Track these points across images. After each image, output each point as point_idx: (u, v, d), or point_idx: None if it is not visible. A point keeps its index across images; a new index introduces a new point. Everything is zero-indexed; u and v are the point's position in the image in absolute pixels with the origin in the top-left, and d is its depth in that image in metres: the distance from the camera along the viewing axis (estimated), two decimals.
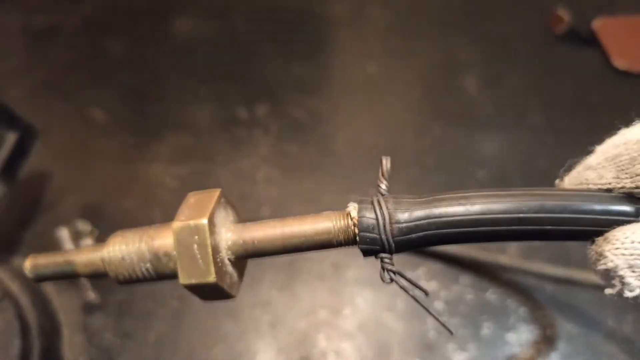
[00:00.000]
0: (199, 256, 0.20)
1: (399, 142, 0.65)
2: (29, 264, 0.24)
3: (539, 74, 0.70)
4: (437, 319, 0.20)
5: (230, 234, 0.22)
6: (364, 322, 0.53)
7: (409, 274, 0.56)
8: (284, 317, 0.53)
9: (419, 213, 0.20)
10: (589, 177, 0.20)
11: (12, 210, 0.57)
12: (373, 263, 0.56)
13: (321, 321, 0.53)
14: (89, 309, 0.54)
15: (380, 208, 0.20)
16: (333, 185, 0.61)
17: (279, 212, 0.59)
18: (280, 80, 0.71)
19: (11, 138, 0.53)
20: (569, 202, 0.19)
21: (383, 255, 0.20)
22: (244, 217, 0.25)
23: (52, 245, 0.55)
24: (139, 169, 0.64)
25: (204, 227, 0.20)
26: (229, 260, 0.22)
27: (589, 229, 0.19)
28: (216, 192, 0.22)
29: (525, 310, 0.53)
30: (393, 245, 0.20)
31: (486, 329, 0.52)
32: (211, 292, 0.21)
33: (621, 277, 0.18)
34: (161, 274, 0.22)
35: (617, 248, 0.18)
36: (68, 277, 0.24)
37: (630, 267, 0.17)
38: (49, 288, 0.54)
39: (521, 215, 0.19)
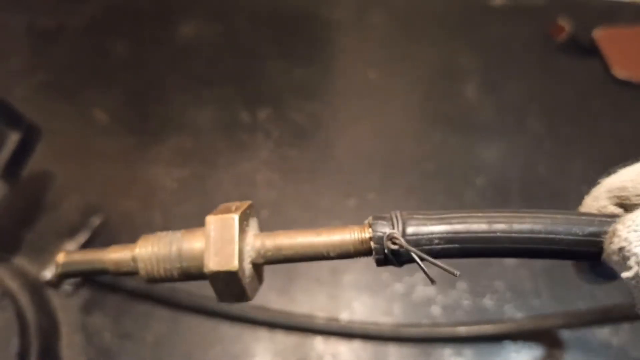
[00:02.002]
0: (225, 248, 0.22)
1: (399, 147, 0.66)
2: (61, 259, 0.25)
3: (539, 82, 0.71)
4: (439, 266, 0.21)
5: (254, 239, 0.24)
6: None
7: (405, 279, 0.56)
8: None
9: (429, 228, 0.21)
10: None
11: (13, 209, 0.57)
12: (370, 268, 0.56)
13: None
14: (87, 308, 0.54)
15: (395, 222, 0.21)
16: (332, 190, 0.61)
17: (278, 215, 0.60)
18: (282, 85, 0.71)
19: (14, 137, 0.53)
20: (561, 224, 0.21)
21: (393, 232, 0.21)
22: None
23: (52, 246, 0.56)
24: (140, 170, 0.64)
25: (233, 220, 0.23)
26: (251, 263, 0.23)
27: (591, 250, 0.20)
28: (247, 203, 0.25)
29: (521, 317, 0.53)
30: (402, 259, 0.22)
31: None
32: (230, 287, 0.23)
33: (636, 255, 0.17)
34: (189, 274, 0.24)
35: (629, 226, 0.18)
36: (97, 273, 0.25)
37: None
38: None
39: (527, 235, 0.21)
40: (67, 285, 0.55)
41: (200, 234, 0.23)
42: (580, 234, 0.20)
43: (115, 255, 0.24)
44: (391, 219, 0.21)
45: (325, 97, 0.71)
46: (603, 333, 0.52)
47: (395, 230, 0.21)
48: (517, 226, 0.20)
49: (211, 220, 0.23)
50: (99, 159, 0.65)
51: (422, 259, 0.20)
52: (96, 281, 0.55)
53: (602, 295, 0.53)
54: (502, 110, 0.68)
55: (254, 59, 0.74)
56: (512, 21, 0.77)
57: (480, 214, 0.21)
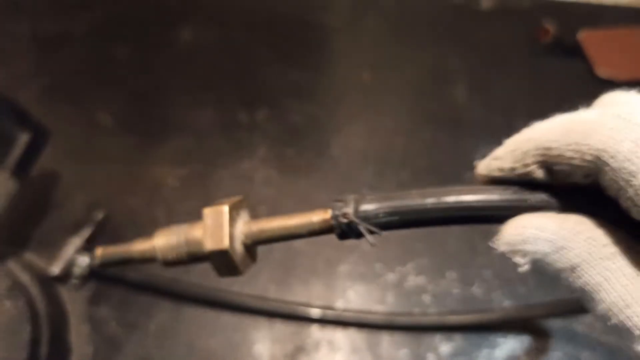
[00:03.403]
0: (218, 230, 0.28)
1: (391, 145, 0.68)
2: (99, 252, 0.33)
3: (525, 82, 0.74)
4: (375, 231, 0.26)
5: (243, 225, 0.29)
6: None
7: (397, 269, 0.59)
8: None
9: (375, 205, 0.26)
10: (492, 166, 0.25)
11: (23, 206, 0.60)
12: (364, 259, 0.59)
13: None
14: (94, 300, 0.57)
15: (350, 203, 0.26)
16: (327, 186, 0.64)
17: (276, 211, 0.62)
18: (279, 87, 0.74)
19: (24, 138, 0.56)
20: (488, 195, 0.25)
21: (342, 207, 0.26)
22: None
23: (60, 241, 0.58)
24: (143, 169, 0.67)
25: (223, 210, 0.28)
26: (243, 244, 0.29)
27: (502, 214, 0.24)
28: (239, 197, 0.30)
29: (508, 304, 0.56)
30: (357, 232, 0.26)
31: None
32: (225, 263, 0.28)
33: (511, 255, 0.22)
34: (194, 256, 0.29)
35: (501, 239, 0.22)
36: (126, 262, 0.32)
37: (513, 252, 0.22)
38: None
39: (449, 206, 0.25)
40: (74, 280, 0.57)
41: (201, 225, 0.29)
42: (497, 200, 0.24)
43: (139, 247, 0.31)
44: (346, 201, 0.26)
45: (321, 98, 0.74)
46: (587, 319, 0.55)
47: (348, 210, 0.26)
48: (444, 198, 0.25)
49: (207, 211, 0.29)
50: (104, 159, 0.68)
51: (368, 230, 0.26)
52: (101, 275, 0.58)
53: None
54: (490, 109, 0.71)
55: (252, 62, 0.77)
56: (500, 24, 0.80)
57: (415, 192, 0.26)
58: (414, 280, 0.57)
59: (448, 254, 0.59)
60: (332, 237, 0.60)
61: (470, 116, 0.71)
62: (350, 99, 0.74)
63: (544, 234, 0.22)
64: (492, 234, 0.62)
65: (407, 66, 0.76)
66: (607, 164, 0.20)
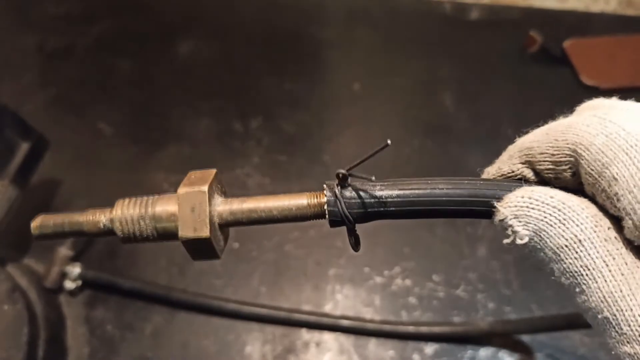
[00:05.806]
0: (197, 216, 0.24)
1: (381, 153, 0.70)
2: (37, 222, 0.26)
3: (513, 91, 0.75)
4: (368, 156, 0.24)
5: (222, 204, 0.25)
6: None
7: (385, 273, 0.60)
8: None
9: (373, 193, 0.24)
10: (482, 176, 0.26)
11: (24, 213, 0.62)
12: (353, 263, 0.60)
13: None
14: (91, 304, 0.58)
15: (345, 185, 0.24)
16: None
17: None
18: (273, 97, 0.76)
19: (25, 147, 0.59)
20: (477, 188, 0.24)
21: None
22: None
23: (55, 250, 0.60)
24: (141, 177, 0.69)
25: (204, 193, 0.25)
26: (219, 224, 0.25)
27: (490, 209, 0.23)
28: (213, 171, 0.26)
29: (493, 306, 0.57)
30: (351, 217, 0.24)
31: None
32: (202, 249, 0.25)
33: (511, 226, 0.21)
34: (163, 234, 0.25)
35: (506, 202, 0.22)
36: (74, 235, 0.26)
37: (516, 217, 0.21)
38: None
39: (448, 198, 0.24)
40: (68, 289, 0.59)
41: (174, 198, 0.25)
42: (488, 195, 0.23)
43: (92, 216, 0.26)
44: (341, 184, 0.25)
45: (313, 107, 0.76)
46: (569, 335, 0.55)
47: (346, 192, 0.24)
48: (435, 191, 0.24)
49: (183, 192, 0.25)
50: (104, 167, 0.70)
51: (365, 216, 0.24)
52: (97, 283, 0.59)
53: None
54: (478, 117, 0.73)
55: (247, 74, 0.80)
56: (488, 34, 0.82)
57: (418, 181, 0.24)
58: (400, 283, 0.59)
59: (434, 257, 0.60)
60: (323, 241, 0.62)
61: (458, 124, 0.72)
62: (341, 109, 0.76)
63: (553, 200, 0.21)
64: (477, 239, 0.63)
65: (397, 76, 0.78)
66: (583, 157, 0.20)
